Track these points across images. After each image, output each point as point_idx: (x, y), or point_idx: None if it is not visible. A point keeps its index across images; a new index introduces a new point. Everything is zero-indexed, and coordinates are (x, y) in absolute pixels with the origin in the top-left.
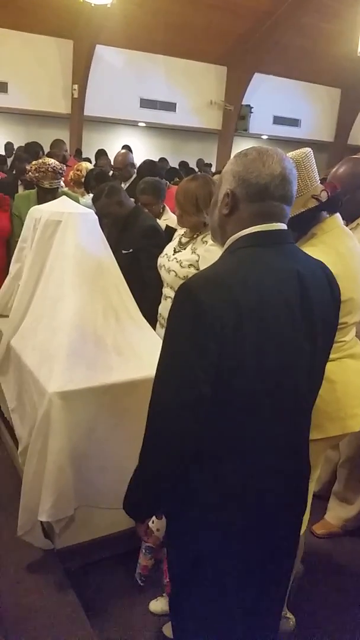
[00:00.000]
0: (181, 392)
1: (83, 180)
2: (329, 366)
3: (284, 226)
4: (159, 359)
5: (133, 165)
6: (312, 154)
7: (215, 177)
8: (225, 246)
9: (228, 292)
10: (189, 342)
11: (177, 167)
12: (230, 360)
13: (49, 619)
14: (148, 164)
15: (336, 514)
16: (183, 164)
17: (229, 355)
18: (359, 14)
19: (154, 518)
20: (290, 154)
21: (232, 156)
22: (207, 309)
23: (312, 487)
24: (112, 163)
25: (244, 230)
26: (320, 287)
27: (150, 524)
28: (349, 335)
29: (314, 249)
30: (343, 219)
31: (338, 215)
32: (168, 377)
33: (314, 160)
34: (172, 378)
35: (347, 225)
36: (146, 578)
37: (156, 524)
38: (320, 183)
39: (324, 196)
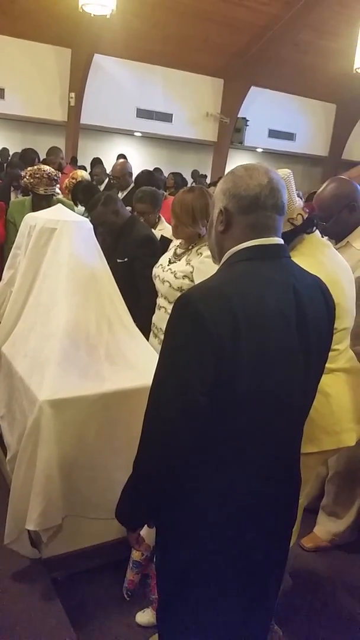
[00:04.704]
0: (177, 401)
1: None
2: (324, 379)
3: (280, 240)
4: (157, 367)
5: (131, 174)
6: (292, 176)
7: (211, 189)
8: (223, 260)
9: (227, 303)
10: (186, 352)
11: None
12: (227, 371)
13: (35, 629)
14: (146, 174)
15: (325, 528)
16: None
17: (225, 365)
18: (356, 32)
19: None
20: None
21: (227, 168)
22: (206, 319)
23: (302, 501)
24: (107, 172)
25: (241, 245)
26: (316, 301)
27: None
28: (341, 343)
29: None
30: (330, 239)
31: (316, 232)
32: (165, 385)
33: (293, 182)
34: (169, 386)
35: (335, 245)
36: (132, 592)
37: (143, 531)
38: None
39: (299, 220)
